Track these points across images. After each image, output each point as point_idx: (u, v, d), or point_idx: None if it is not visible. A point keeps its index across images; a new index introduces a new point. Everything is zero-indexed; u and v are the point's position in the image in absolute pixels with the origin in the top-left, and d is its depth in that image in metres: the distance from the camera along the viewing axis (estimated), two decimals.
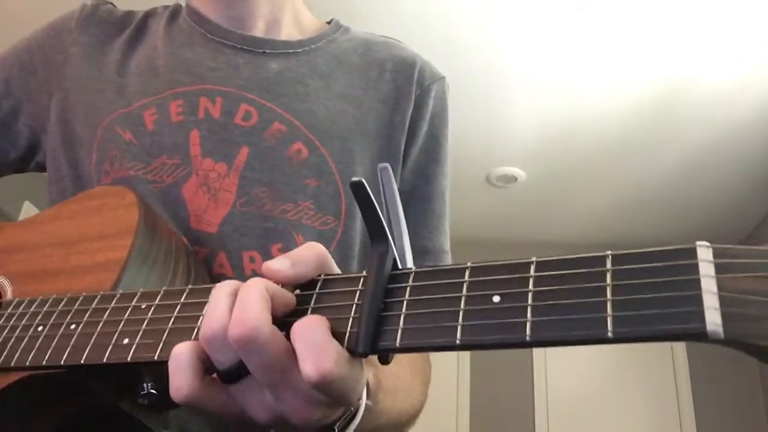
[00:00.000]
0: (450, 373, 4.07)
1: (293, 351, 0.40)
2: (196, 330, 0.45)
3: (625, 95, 3.10)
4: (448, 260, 0.80)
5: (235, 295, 0.42)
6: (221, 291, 0.42)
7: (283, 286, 0.44)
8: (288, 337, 0.40)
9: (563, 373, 4.19)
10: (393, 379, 0.56)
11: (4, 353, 0.52)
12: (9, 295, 0.61)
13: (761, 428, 3.95)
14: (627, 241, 4.38)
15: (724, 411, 4.00)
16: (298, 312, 0.43)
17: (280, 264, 0.43)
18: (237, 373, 0.41)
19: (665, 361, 4.18)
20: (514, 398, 4.14)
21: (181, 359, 0.42)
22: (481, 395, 4.11)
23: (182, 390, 0.41)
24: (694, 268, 0.33)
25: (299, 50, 0.81)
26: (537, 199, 4.03)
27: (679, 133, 3.33)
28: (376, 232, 0.41)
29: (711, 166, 3.58)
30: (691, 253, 0.34)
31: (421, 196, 0.80)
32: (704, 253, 0.33)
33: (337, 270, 0.45)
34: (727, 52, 2.79)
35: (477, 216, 4.20)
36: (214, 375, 0.42)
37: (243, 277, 0.66)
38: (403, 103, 0.80)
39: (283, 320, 0.42)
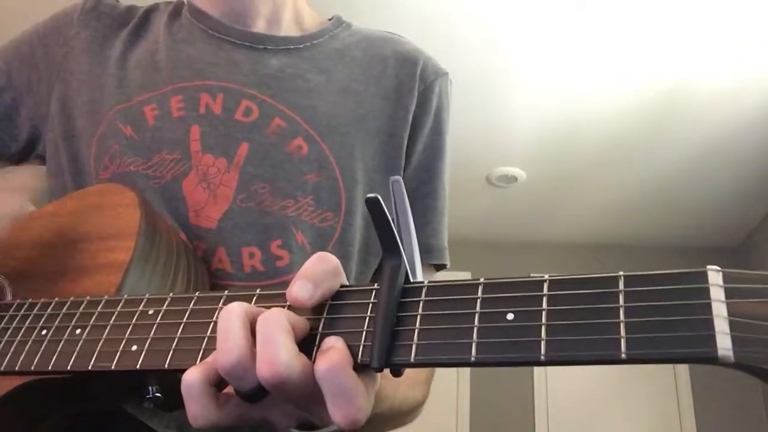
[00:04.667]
0: (450, 373, 4.07)
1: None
2: (206, 339, 0.45)
3: (625, 95, 3.10)
4: (446, 258, 0.81)
5: (247, 319, 0.41)
6: (231, 316, 0.41)
7: None
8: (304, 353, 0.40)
9: (563, 373, 4.19)
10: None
11: (8, 357, 0.52)
12: (8, 294, 0.61)
13: (761, 429, 3.96)
14: (627, 241, 4.39)
15: (724, 413, 4.00)
16: (311, 323, 0.42)
17: (305, 291, 0.42)
18: (259, 395, 0.40)
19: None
20: (514, 399, 4.14)
21: (193, 390, 0.41)
22: (481, 395, 4.11)
23: (199, 419, 0.41)
24: (705, 292, 0.34)
25: (300, 46, 0.81)
26: (537, 199, 4.03)
27: (678, 133, 3.33)
28: (388, 246, 0.41)
29: (710, 167, 3.58)
30: (702, 277, 0.34)
31: (425, 193, 0.80)
32: (715, 277, 0.34)
33: (345, 280, 0.45)
34: (726, 53, 2.79)
35: (477, 216, 4.20)
36: (228, 390, 0.42)
37: (242, 273, 0.67)
38: (406, 99, 0.79)
39: (299, 341, 0.41)
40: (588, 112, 3.24)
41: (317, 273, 0.43)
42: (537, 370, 4.20)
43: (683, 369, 4.15)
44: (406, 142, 0.78)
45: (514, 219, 4.30)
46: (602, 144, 3.46)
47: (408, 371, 0.62)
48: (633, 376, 4.15)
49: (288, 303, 0.43)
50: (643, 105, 3.15)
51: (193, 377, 0.41)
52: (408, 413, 0.66)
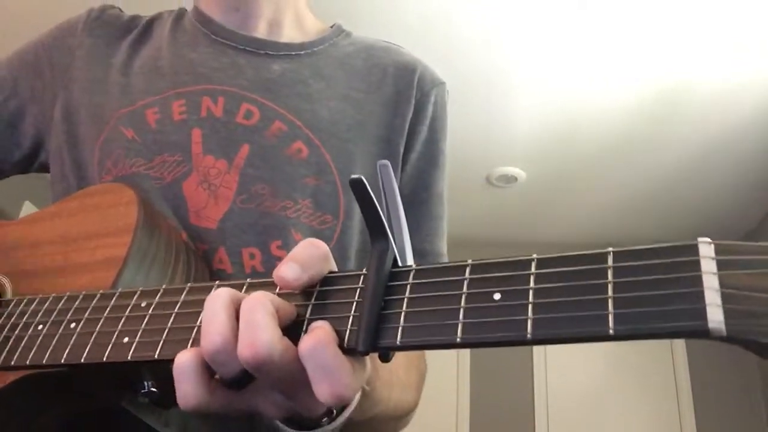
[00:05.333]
0: (450, 373, 4.07)
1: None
2: (196, 329, 0.45)
3: (626, 95, 3.10)
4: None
5: (232, 305, 0.41)
6: (216, 302, 0.41)
7: None
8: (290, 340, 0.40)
9: (563, 373, 4.19)
10: (388, 372, 0.57)
11: (5, 352, 0.52)
12: (9, 293, 0.61)
13: (761, 429, 3.95)
14: (627, 241, 4.38)
15: (724, 411, 3.99)
16: (299, 310, 0.42)
17: (292, 272, 0.42)
18: (243, 381, 0.41)
19: (665, 361, 4.18)
20: (514, 398, 4.14)
21: (186, 369, 0.41)
22: (481, 395, 4.11)
23: (190, 399, 0.41)
24: (696, 264, 0.33)
25: (301, 52, 0.82)
26: (537, 199, 4.03)
27: (678, 133, 3.33)
28: (375, 230, 0.41)
29: (711, 167, 3.58)
30: (693, 249, 0.34)
31: (420, 200, 0.80)
32: (706, 249, 0.33)
33: (335, 267, 0.45)
34: (726, 52, 2.79)
35: (477, 216, 4.20)
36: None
37: (243, 274, 0.67)
38: (403, 107, 0.80)
39: (286, 326, 0.41)
40: (588, 113, 3.24)
41: (305, 256, 0.43)
42: (537, 365, 4.20)
43: (683, 367, 4.14)
44: (402, 150, 0.79)
45: (514, 219, 4.29)
46: (602, 144, 3.46)
47: (400, 371, 0.62)
48: (633, 375, 4.15)
49: (277, 291, 0.43)
50: (643, 105, 3.15)
51: (185, 358, 0.41)
52: (401, 417, 0.66)
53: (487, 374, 4.14)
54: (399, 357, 0.63)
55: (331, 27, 0.88)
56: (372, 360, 0.50)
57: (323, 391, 0.38)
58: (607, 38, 2.78)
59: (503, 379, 4.15)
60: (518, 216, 4.26)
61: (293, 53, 0.81)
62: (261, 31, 0.82)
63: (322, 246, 0.44)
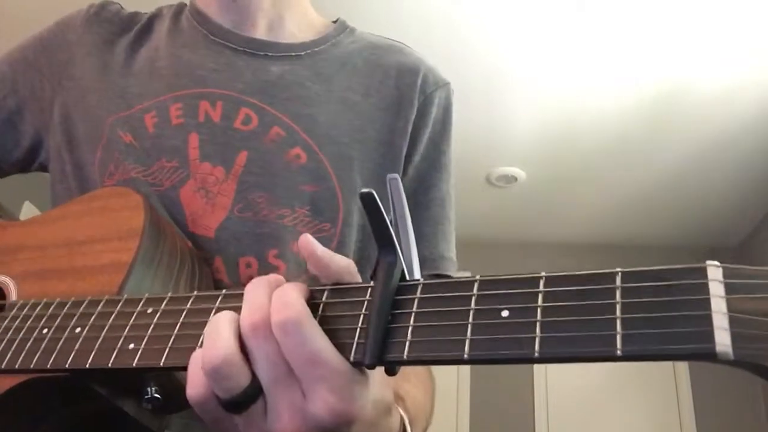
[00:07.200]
0: (450, 373, 4.06)
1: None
2: (201, 337, 0.45)
3: (625, 95, 3.11)
4: (450, 267, 0.79)
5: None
6: (259, 286, 0.43)
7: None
8: None
9: (563, 373, 4.19)
10: (414, 407, 0.57)
11: (8, 355, 0.52)
12: (14, 295, 0.61)
13: (762, 431, 3.96)
14: (627, 241, 4.39)
15: (724, 413, 3.99)
16: None
17: (321, 247, 0.44)
18: (243, 402, 0.41)
19: (666, 363, 4.18)
20: (514, 398, 4.14)
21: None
22: (481, 395, 4.11)
23: (200, 392, 0.42)
24: (704, 287, 0.33)
25: (302, 53, 0.80)
26: (537, 199, 4.03)
27: (678, 133, 3.33)
28: (384, 243, 0.41)
29: (710, 167, 3.58)
30: (702, 272, 0.34)
31: (419, 204, 0.79)
32: (714, 272, 0.33)
33: (358, 279, 0.45)
34: (726, 53, 2.80)
35: (477, 216, 4.20)
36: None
37: (239, 283, 0.67)
38: (406, 110, 0.79)
39: None
40: (588, 113, 3.24)
41: (332, 255, 0.45)
42: (537, 370, 4.20)
43: (683, 368, 4.14)
44: (404, 153, 0.78)
45: (514, 219, 4.29)
46: (602, 144, 3.47)
47: (420, 398, 0.62)
48: (633, 375, 4.15)
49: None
50: (643, 105, 3.15)
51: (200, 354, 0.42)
52: None
53: (487, 374, 4.14)
54: (415, 382, 0.64)
55: (334, 22, 0.86)
56: (405, 405, 0.51)
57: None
58: (607, 39, 2.78)
59: (503, 378, 4.15)
60: (518, 216, 4.26)
61: (293, 54, 0.79)
62: (260, 31, 0.80)
63: (349, 261, 0.45)
